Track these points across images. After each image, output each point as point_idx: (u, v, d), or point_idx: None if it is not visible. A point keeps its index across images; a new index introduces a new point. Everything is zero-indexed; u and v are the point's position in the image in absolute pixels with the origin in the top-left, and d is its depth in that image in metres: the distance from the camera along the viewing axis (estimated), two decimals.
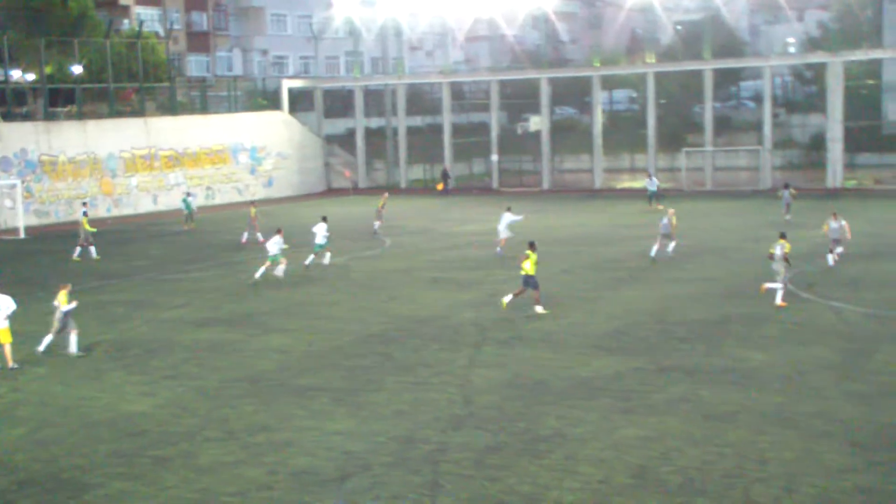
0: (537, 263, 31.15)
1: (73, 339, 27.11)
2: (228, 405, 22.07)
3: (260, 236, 47.57)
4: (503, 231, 43.34)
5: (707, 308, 31.02)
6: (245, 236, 49.31)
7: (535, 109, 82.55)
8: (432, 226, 55.64)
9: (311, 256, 40.95)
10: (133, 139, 68.86)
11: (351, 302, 33.87)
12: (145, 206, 68.72)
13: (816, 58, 76.24)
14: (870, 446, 18.09)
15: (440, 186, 76.04)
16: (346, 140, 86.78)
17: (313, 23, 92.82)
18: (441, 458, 18.21)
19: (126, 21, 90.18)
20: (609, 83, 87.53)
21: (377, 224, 50.78)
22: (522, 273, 31.10)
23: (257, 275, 38.39)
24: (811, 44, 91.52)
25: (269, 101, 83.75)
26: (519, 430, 19.63)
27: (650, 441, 18.72)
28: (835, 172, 70.56)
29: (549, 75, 79.95)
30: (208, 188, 73.38)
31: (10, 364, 25.67)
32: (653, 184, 62.99)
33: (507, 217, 43.65)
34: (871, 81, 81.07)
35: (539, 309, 30.72)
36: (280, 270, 38.56)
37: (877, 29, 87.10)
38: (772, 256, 31.82)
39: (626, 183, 78.14)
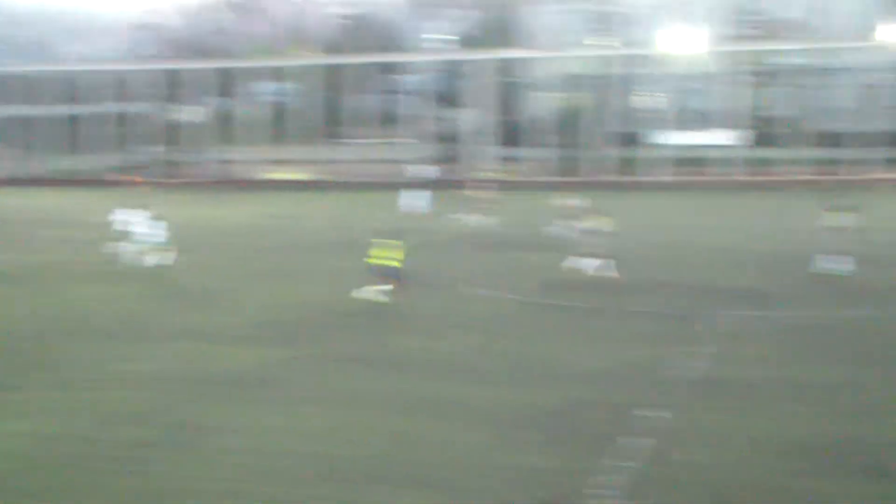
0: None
1: None
2: None
3: None
4: None
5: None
6: None
7: (197, 99, 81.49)
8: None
9: None
10: None
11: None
12: None
13: (468, 54, 79.23)
14: (510, 426, 19.09)
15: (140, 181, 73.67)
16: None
17: None
18: (91, 454, 17.83)
19: None
20: (266, 75, 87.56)
21: None
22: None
23: None
24: (464, 41, 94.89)
25: None
26: (167, 423, 19.52)
27: (335, 430, 18.98)
28: (487, 165, 73.55)
29: (211, 65, 79.28)
30: None
31: None
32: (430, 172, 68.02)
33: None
34: (517, 78, 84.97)
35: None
36: None
37: (524, 29, 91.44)
38: None
39: (279, 174, 78.51)
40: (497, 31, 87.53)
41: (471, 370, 23.08)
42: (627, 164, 75.79)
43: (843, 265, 34.19)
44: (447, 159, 77.54)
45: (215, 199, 63.62)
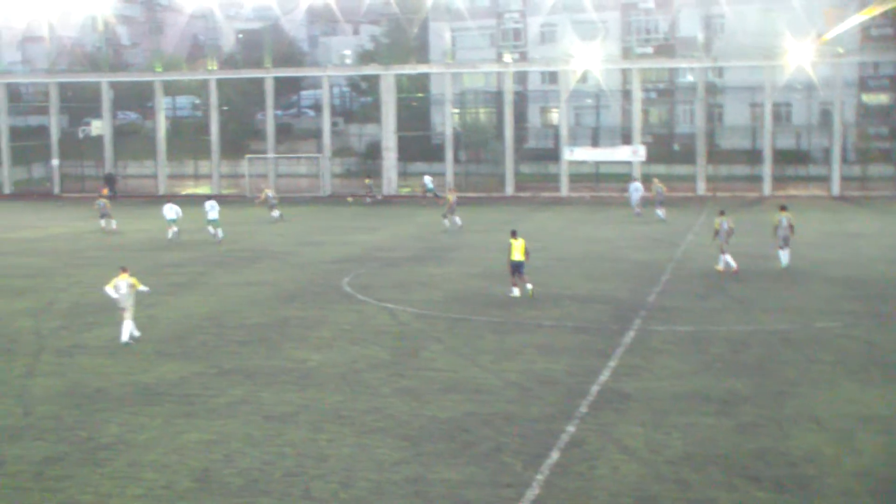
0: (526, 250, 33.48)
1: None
2: None
3: None
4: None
5: (264, 311, 31.89)
6: None
7: (98, 113, 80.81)
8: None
9: None
10: None
11: None
12: None
13: (371, 70, 79.79)
14: (418, 439, 19.44)
15: (105, 192, 72.65)
16: None
17: None
18: None
19: None
20: (172, 89, 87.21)
21: None
22: (512, 259, 33.29)
23: None
24: (366, 56, 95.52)
25: None
26: (80, 438, 19.54)
27: (213, 444, 19.18)
28: (389, 180, 74.00)
29: (110, 79, 78.75)
30: None
31: None
32: (429, 182, 68.97)
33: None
34: (420, 94, 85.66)
35: (515, 291, 33.45)
36: None
37: (423, 45, 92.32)
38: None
39: (191, 189, 78.07)
40: (400, 47, 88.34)
41: (378, 383, 23.40)
42: (528, 179, 76.87)
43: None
44: (358, 174, 77.91)
45: (125, 213, 62.99)
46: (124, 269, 28.19)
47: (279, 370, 24.62)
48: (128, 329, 27.53)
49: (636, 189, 60.18)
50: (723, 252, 38.41)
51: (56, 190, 77.65)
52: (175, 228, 49.38)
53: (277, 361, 25.50)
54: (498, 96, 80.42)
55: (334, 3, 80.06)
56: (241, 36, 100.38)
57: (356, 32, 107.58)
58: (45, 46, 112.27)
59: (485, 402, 21.70)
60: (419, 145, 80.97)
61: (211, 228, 49.44)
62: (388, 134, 73.97)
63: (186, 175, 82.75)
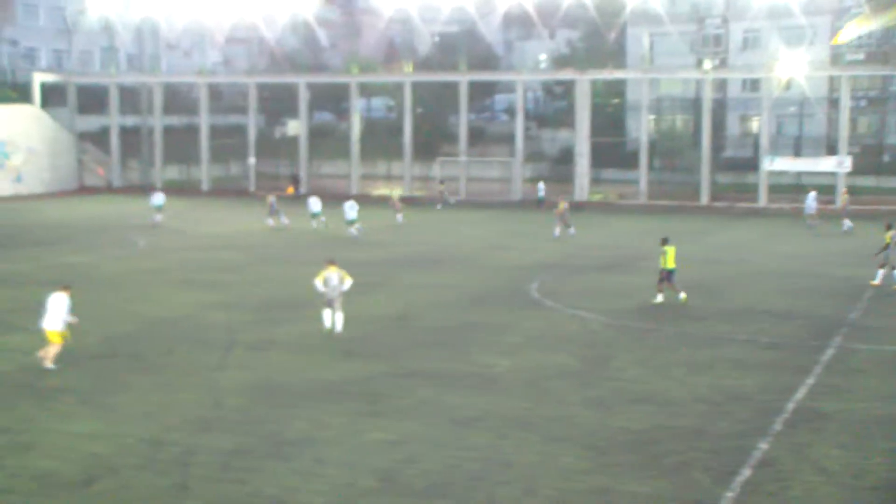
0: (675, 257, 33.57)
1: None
2: None
3: None
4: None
5: (451, 314, 31.78)
6: None
7: (294, 114, 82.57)
8: (185, 227, 54.92)
9: None
10: None
11: (99, 302, 33.10)
12: None
13: (566, 75, 79.23)
14: (604, 449, 18.94)
15: (291, 190, 75.03)
16: (101, 137, 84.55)
17: (67, 15, 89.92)
18: (189, 461, 18.12)
19: None
20: (367, 90, 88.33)
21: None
22: (664, 266, 33.43)
23: None
24: (561, 61, 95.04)
25: (18, 94, 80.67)
26: (267, 432, 19.71)
27: (396, 445, 19.07)
28: (581, 186, 73.30)
29: (308, 80, 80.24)
30: None
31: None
32: (541, 189, 68.94)
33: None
34: (615, 100, 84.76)
35: (660, 297, 33.64)
36: None
37: (620, 50, 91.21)
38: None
39: (382, 190, 78.97)
40: (596, 52, 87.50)
41: (565, 391, 22.95)
42: (724, 189, 74.98)
43: None
44: (550, 179, 77.53)
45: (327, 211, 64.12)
46: (332, 262, 28.75)
47: (465, 374, 24.41)
48: (339, 320, 28.39)
49: (812, 199, 58.09)
50: (882, 267, 37.13)
51: (251, 188, 79.58)
52: (322, 219, 54.03)
53: (463, 365, 25.30)
54: (695, 103, 78.80)
55: (531, 7, 79.86)
56: (436, 39, 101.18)
57: (552, 37, 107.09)
58: (246, 48, 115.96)
59: (674, 415, 21.06)
60: (612, 152, 79.97)
61: (352, 229, 51.29)
62: (581, 139, 73.31)
63: (378, 176, 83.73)
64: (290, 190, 75.54)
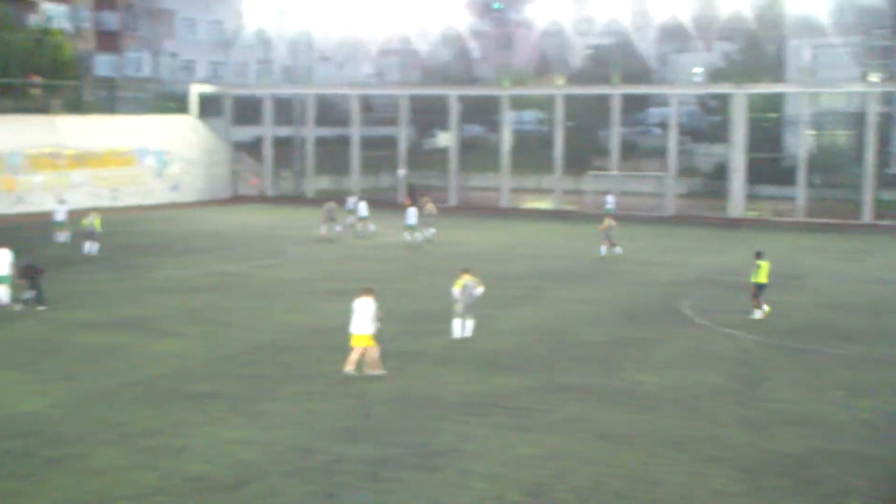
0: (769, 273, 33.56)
1: None
2: (123, 408, 21.78)
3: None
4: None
5: (601, 329, 31.37)
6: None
7: (444, 126, 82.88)
8: (340, 236, 55.43)
9: None
10: (37, 137, 67.59)
11: (250, 310, 33.62)
12: (49, 204, 67.28)
13: (721, 88, 77.79)
14: (758, 472, 18.41)
15: (409, 202, 75.70)
16: (254, 148, 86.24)
17: (224, 29, 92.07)
18: (336, 469, 18.18)
19: (33, 16, 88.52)
20: (518, 103, 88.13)
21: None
22: (757, 281, 33.36)
23: None
24: (717, 74, 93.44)
25: (177, 104, 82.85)
26: (414, 443, 19.66)
27: (545, 459, 18.84)
28: (736, 202, 71.82)
29: (459, 92, 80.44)
30: (114, 190, 72.25)
31: None
32: (609, 202, 67.46)
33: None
34: (773, 114, 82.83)
35: (759, 313, 33.19)
36: None
37: (779, 63, 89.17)
38: None
39: (532, 203, 78.65)
40: (754, 64, 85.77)
41: (717, 411, 22.35)
42: (889, 207, 72.47)
43: None
44: (703, 195, 76.13)
45: (476, 223, 64.34)
46: (466, 271, 29.11)
47: (615, 390, 24.02)
48: (470, 327, 28.82)
49: None
50: None
51: (400, 199, 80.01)
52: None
53: (613, 381, 24.91)
54: (859, 117, 76.39)
55: (688, 20, 78.71)
56: (590, 51, 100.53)
57: (708, 49, 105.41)
58: (398, 60, 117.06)
59: (832, 440, 20.36)
60: (769, 167, 78.07)
61: (408, 235, 52.37)
62: (736, 154, 71.80)
63: (528, 189, 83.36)
64: (409, 202, 75.70)
